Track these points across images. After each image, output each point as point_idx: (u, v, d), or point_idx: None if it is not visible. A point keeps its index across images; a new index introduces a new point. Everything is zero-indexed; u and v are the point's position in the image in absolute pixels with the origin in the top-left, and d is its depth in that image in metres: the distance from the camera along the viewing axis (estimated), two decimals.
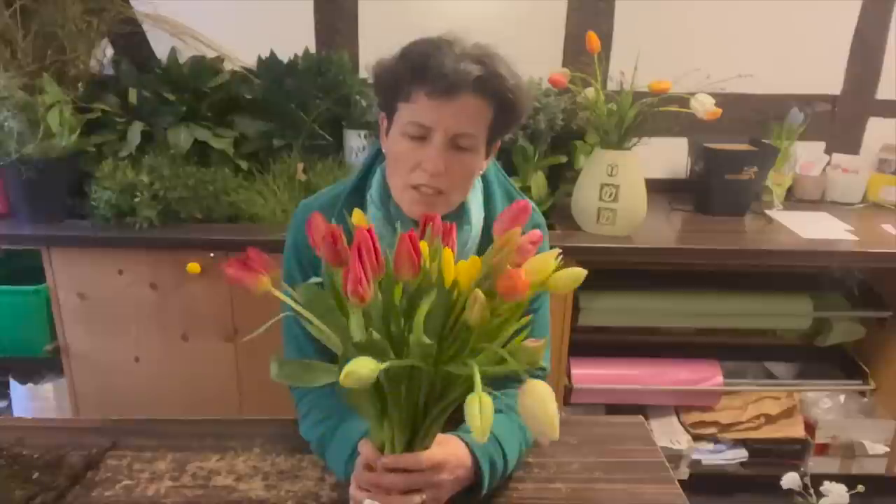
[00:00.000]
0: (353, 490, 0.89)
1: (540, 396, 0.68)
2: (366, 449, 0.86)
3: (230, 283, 0.74)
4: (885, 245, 1.98)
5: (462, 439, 0.92)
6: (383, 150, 1.04)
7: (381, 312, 0.74)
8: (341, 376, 0.65)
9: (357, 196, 1.07)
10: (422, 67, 0.91)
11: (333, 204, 1.08)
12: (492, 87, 0.93)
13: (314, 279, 0.79)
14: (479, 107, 0.94)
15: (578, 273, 0.74)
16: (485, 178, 1.09)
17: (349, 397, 0.80)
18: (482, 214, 1.06)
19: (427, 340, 0.72)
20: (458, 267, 0.73)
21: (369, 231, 0.70)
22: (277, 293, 0.76)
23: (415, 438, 0.83)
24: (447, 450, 0.88)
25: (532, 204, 1.14)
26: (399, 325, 0.75)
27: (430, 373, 0.75)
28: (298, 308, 0.75)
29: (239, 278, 0.75)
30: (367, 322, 0.73)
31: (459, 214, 1.03)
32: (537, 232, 0.75)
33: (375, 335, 0.71)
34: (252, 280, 0.75)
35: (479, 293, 0.71)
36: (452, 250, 0.75)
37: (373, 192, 1.05)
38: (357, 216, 0.82)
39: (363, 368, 0.65)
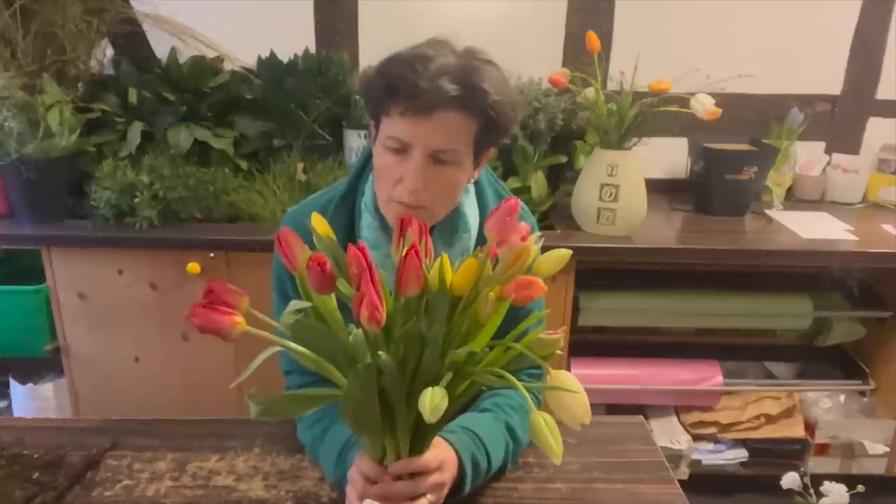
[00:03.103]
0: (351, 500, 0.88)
1: (566, 384, 0.68)
2: (366, 464, 0.84)
3: (201, 332, 0.65)
4: (885, 245, 1.98)
5: (445, 439, 0.92)
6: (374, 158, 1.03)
7: (401, 333, 0.72)
8: (428, 414, 0.65)
9: (348, 202, 1.06)
10: (395, 86, 0.89)
11: (324, 211, 1.04)
12: (471, 103, 0.90)
13: (295, 304, 0.74)
14: (459, 122, 0.91)
15: (562, 255, 0.73)
16: (477, 183, 1.08)
17: (347, 417, 0.78)
18: (479, 220, 1.06)
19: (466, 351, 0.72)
20: (457, 275, 0.72)
21: (361, 249, 0.68)
22: (261, 332, 0.69)
23: (417, 443, 0.83)
24: (440, 451, 0.88)
25: (522, 204, 1.14)
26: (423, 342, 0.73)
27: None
28: (289, 343, 0.71)
29: (209, 326, 0.65)
30: (383, 344, 0.71)
31: (456, 222, 1.02)
32: (525, 225, 0.74)
33: (385, 356, 0.70)
34: (226, 324, 0.66)
35: (491, 296, 0.71)
36: (427, 250, 0.74)
37: (367, 200, 1.03)
38: (317, 222, 0.77)
39: (441, 398, 0.66)
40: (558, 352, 0.74)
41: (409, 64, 0.89)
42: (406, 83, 0.88)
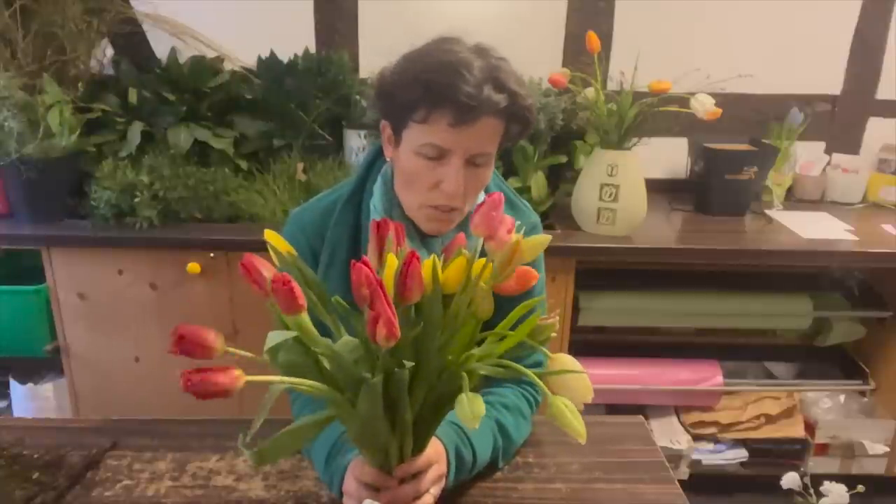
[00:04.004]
0: None
1: (567, 366, 0.70)
2: (368, 474, 0.84)
3: (203, 399, 0.61)
4: (885, 245, 1.98)
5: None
6: (387, 159, 1.02)
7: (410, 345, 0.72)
8: (472, 422, 0.66)
9: (355, 202, 1.05)
10: (444, 97, 0.88)
11: (329, 212, 1.05)
12: (511, 108, 0.92)
13: (272, 337, 0.70)
14: (496, 125, 0.93)
15: (542, 239, 0.74)
16: None
17: (355, 432, 0.77)
18: None
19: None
20: (447, 273, 0.73)
21: (366, 264, 0.67)
22: (266, 379, 0.67)
23: (418, 443, 0.82)
24: (433, 444, 0.88)
25: (525, 203, 1.14)
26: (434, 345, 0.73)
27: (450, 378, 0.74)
28: (289, 378, 0.69)
29: (211, 391, 0.62)
30: (397, 354, 0.70)
31: (465, 222, 1.02)
32: (509, 218, 0.74)
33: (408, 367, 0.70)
34: (228, 381, 0.62)
35: (487, 290, 0.71)
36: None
37: (375, 201, 1.03)
38: (271, 237, 0.76)
39: (478, 402, 0.67)
40: (553, 334, 0.75)
41: (454, 71, 0.88)
42: (457, 91, 0.87)
